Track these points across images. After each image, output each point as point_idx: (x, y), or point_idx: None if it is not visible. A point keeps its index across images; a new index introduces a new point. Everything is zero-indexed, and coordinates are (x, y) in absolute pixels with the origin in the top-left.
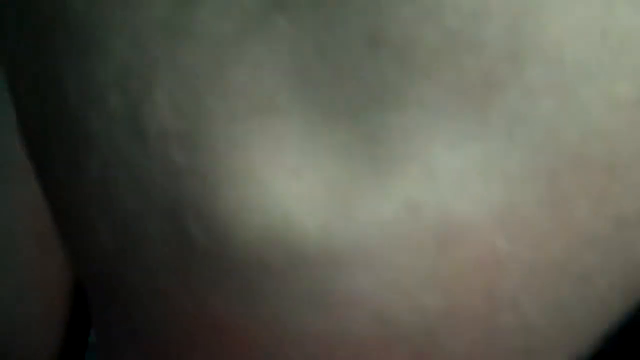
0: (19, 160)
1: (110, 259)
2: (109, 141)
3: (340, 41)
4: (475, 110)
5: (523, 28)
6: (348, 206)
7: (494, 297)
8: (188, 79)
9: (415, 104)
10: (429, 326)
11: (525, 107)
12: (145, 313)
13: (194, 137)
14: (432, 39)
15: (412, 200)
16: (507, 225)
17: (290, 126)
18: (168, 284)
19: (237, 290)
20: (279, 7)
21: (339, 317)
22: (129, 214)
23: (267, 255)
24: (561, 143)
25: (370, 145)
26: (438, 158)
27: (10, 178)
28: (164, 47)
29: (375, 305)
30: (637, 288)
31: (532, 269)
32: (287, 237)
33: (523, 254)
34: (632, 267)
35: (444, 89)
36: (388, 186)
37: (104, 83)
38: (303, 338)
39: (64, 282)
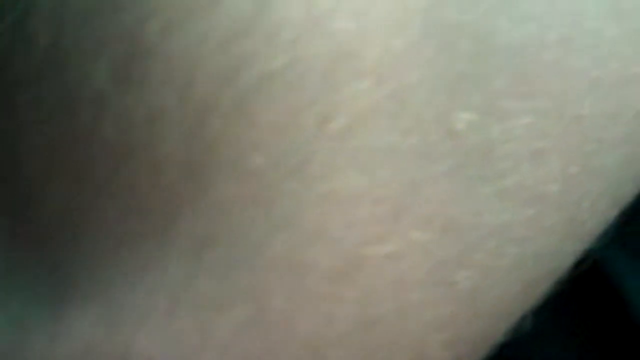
0: None
1: None
2: None
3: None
4: (159, 235)
5: (204, 137)
6: (20, 350)
7: None
8: None
9: (96, 229)
10: None
11: (216, 226)
12: None
13: None
14: (103, 163)
15: (88, 341)
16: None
17: None
18: None
19: None
20: None
21: None
22: None
23: None
24: (269, 260)
25: (56, 283)
26: (120, 295)
27: None
28: None
29: None
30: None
31: None
32: None
33: None
34: None
35: (122, 211)
36: (64, 328)
37: None
38: None
39: None
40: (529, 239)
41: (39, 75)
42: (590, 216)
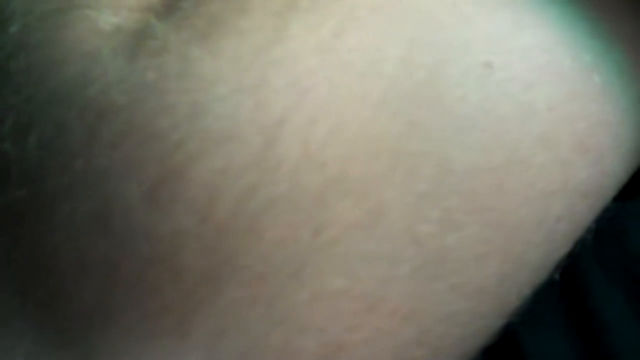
0: None
1: None
2: None
3: (48, 268)
4: (178, 329)
5: (220, 249)
6: None
7: None
8: None
9: (120, 326)
10: None
11: (227, 321)
12: None
13: None
14: (130, 268)
15: None
16: None
17: (21, 344)
18: None
19: None
20: None
21: None
22: None
23: None
24: (268, 347)
25: None
26: None
27: None
28: None
29: None
30: None
31: None
32: None
33: None
34: None
35: (145, 311)
36: None
37: None
38: None
39: None
40: (469, 323)
41: (74, 191)
42: (516, 300)
